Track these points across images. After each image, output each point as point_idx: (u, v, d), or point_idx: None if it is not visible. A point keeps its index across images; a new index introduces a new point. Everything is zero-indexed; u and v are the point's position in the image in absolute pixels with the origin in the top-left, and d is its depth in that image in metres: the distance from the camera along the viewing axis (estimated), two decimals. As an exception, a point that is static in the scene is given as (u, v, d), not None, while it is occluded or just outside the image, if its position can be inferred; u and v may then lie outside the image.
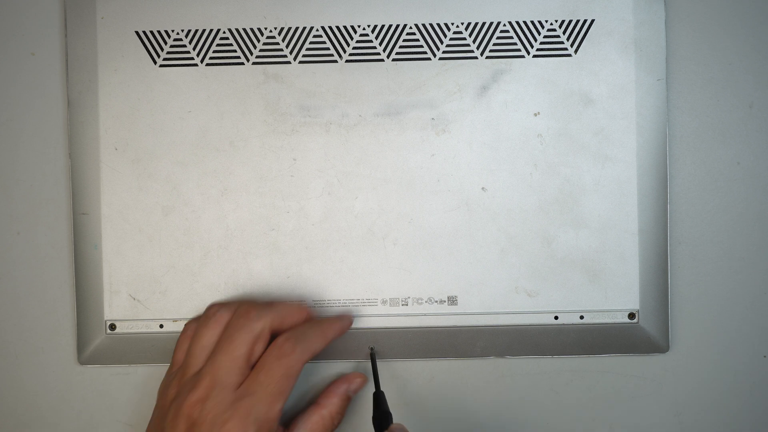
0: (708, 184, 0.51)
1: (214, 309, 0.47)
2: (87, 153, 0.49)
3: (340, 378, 0.49)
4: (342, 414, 0.48)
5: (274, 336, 0.46)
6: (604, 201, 0.49)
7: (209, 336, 0.46)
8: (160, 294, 0.50)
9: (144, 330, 0.50)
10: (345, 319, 0.49)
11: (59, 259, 0.51)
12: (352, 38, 0.49)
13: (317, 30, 0.49)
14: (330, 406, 0.48)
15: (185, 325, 0.48)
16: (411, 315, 0.50)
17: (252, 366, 0.45)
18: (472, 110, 0.49)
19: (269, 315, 0.45)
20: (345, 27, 0.49)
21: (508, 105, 0.49)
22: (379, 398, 0.47)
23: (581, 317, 0.50)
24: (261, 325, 0.45)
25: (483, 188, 0.50)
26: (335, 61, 0.49)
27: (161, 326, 0.50)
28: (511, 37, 0.49)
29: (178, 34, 0.49)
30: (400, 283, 0.50)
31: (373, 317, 0.50)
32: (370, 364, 0.50)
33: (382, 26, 0.49)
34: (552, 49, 0.49)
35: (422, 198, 0.50)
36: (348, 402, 0.49)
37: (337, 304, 0.50)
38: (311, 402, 0.49)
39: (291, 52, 0.49)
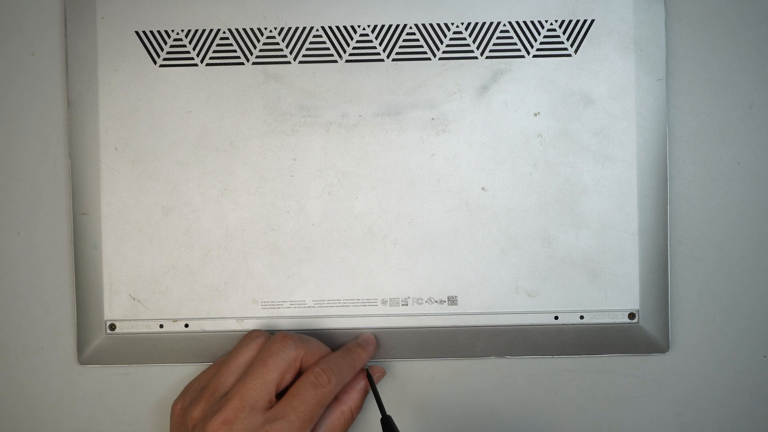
0: (708, 184, 0.51)
1: (256, 333, 0.47)
2: (87, 153, 0.49)
3: (358, 372, 0.49)
4: (360, 407, 0.48)
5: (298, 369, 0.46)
6: (604, 201, 0.49)
7: (245, 356, 0.46)
8: (160, 294, 0.50)
9: (144, 330, 0.50)
10: (369, 346, 0.49)
11: (59, 259, 0.51)
12: (352, 38, 0.49)
13: (317, 30, 0.49)
14: (350, 401, 0.48)
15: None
16: (411, 315, 0.50)
17: (278, 392, 0.45)
18: (472, 110, 0.49)
19: (304, 347, 0.46)
20: (345, 27, 0.49)
21: (508, 105, 0.49)
22: (388, 424, 0.46)
23: (581, 317, 0.50)
24: (295, 354, 0.46)
25: (483, 188, 0.50)
26: (335, 61, 0.49)
27: (161, 326, 0.50)
28: (511, 37, 0.49)
29: (178, 34, 0.49)
30: (400, 283, 0.50)
31: (373, 317, 0.50)
32: (374, 362, 0.50)
33: (382, 26, 0.49)
34: (552, 49, 0.49)
35: (422, 198, 0.50)
36: (366, 395, 0.49)
37: (337, 304, 0.50)
38: None
39: (291, 52, 0.49)
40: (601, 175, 0.49)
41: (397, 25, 0.49)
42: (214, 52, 0.49)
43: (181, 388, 0.51)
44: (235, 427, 0.43)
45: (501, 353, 0.50)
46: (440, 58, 0.49)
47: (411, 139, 0.49)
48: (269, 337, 0.47)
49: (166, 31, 0.49)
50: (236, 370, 0.46)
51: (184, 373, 0.51)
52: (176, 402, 0.47)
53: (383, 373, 0.50)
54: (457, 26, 0.49)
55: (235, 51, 0.49)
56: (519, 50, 0.49)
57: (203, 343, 0.50)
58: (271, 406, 0.44)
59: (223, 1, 0.49)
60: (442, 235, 0.50)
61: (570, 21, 0.49)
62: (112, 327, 0.50)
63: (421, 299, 0.50)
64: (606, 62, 0.49)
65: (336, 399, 0.48)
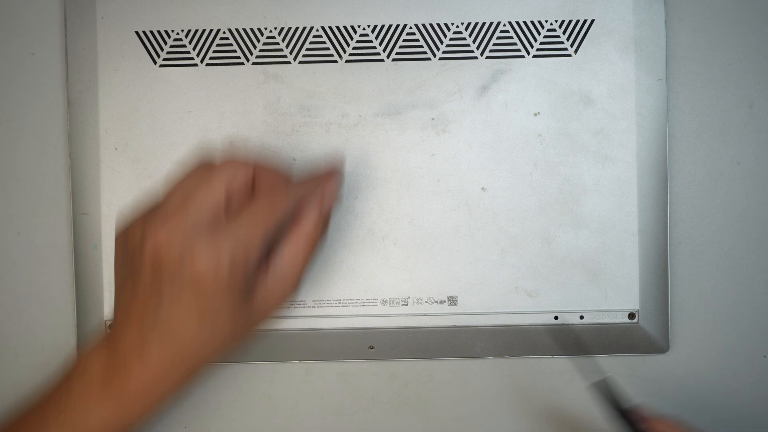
0: (708, 184, 0.51)
1: (203, 160, 0.42)
2: (87, 153, 0.49)
3: (312, 181, 0.44)
4: (324, 226, 0.44)
5: None
6: (604, 201, 0.49)
7: (192, 179, 0.41)
8: (160, 294, 0.50)
9: (144, 330, 0.50)
10: (335, 168, 0.45)
11: (59, 259, 0.51)
12: (352, 38, 0.49)
13: (317, 30, 0.49)
14: (308, 221, 0.43)
15: None
16: (411, 315, 0.50)
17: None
18: (472, 110, 0.49)
19: (253, 160, 0.42)
20: (345, 27, 0.49)
21: (508, 105, 0.49)
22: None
23: (581, 317, 0.50)
24: (244, 165, 0.41)
25: (483, 188, 0.50)
26: (335, 61, 0.49)
27: (161, 326, 0.50)
28: (511, 37, 0.49)
29: (178, 34, 0.49)
30: (400, 283, 0.50)
31: (373, 317, 0.50)
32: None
33: (382, 26, 0.49)
34: (552, 49, 0.49)
35: (422, 198, 0.50)
36: (329, 213, 0.44)
37: (337, 304, 0.50)
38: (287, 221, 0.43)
39: (291, 52, 0.49)
40: (601, 175, 0.49)
41: (397, 25, 0.49)
42: (214, 52, 0.49)
43: (181, 388, 0.51)
44: (175, 240, 0.39)
45: (501, 353, 0.50)
46: (440, 58, 0.49)
47: (411, 139, 0.49)
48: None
49: (166, 31, 0.49)
50: (181, 192, 0.41)
51: (184, 373, 0.51)
52: (118, 234, 0.42)
53: (339, 178, 0.44)
54: (457, 26, 0.49)
55: (235, 51, 0.49)
56: (519, 50, 0.49)
57: (203, 343, 0.50)
58: (218, 224, 0.40)
59: (223, 1, 0.49)
60: (442, 235, 0.50)
61: (570, 21, 0.49)
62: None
63: (421, 299, 0.50)
64: (606, 62, 0.49)
65: (293, 221, 0.42)
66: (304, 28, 0.49)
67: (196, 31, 0.49)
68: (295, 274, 0.43)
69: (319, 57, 0.49)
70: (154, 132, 0.49)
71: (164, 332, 0.40)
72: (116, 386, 0.40)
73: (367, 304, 0.50)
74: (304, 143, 0.49)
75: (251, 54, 0.49)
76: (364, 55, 0.49)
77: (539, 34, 0.49)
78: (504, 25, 0.49)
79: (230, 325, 0.41)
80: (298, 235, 0.42)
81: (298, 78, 0.49)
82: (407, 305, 0.50)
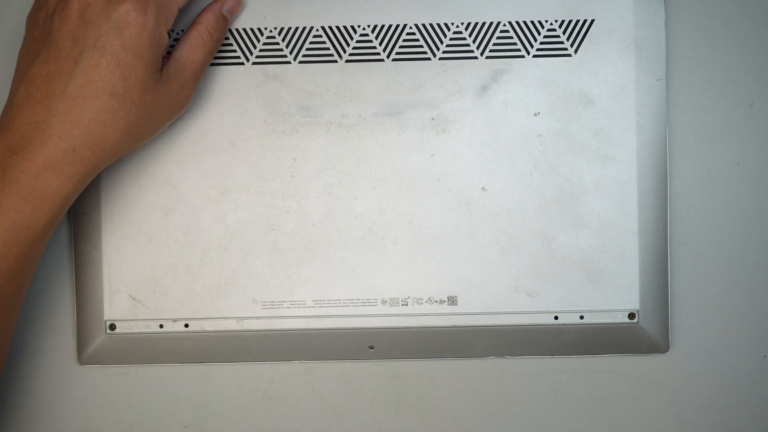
0: (708, 184, 0.51)
1: None
2: (87, 153, 0.49)
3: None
4: (220, 32, 0.47)
5: None
6: (604, 201, 0.49)
7: None
8: (160, 294, 0.50)
9: (144, 330, 0.50)
10: None
11: (59, 259, 0.51)
12: (352, 38, 0.49)
13: (317, 30, 0.49)
14: (205, 21, 0.46)
15: None
16: (411, 315, 0.50)
17: None
18: (472, 110, 0.49)
19: None
20: (345, 27, 0.49)
21: (508, 105, 0.49)
22: None
23: (581, 317, 0.50)
24: None
25: (483, 188, 0.50)
26: (335, 61, 0.49)
27: (161, 326, 0.50)
28: (511, 37, 0.49)
29: (178, 34, 0.49)
30: (400, 283, 0.50)
31: (373, 317, 0.50)
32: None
33: (382, 26, 0.49)
34: (552, 49, 0.49)
35: (422, 198, 0.50)
36: (225, 21, 0.47)
37: (337, 304, 0.50)
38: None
39: (291, 52, 0.49)
40: (601, 175, 0.49)
41: (397, 25, 0.49)
42: (214, 52, 0.49)
43: (181, 389, 0.51)
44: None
45: (501, 353, 0.50)
46: (440, 58, 0.49)
47: (411, 139, 0.49)
48: None
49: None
50: None
51: (184, 373, 0.51)
52: (31, 12, 0.44)
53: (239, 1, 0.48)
54: (457, 26, 0.49)
55: (235, 51, 0.49)
56: (519, 50, 0.49)
57: (203, 343, 0.50)
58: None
59: (223, 1, 0.49)
60: (442, 235, 0.50)
61: (570, 21, 0.49)
62: (112, 327, 0.50)
63: (421, 299, 0.50)
64: (606, 62, 0.49)
65: (193, 23, 0.46)
66: (304, 28, 0.49)
67: (196, 31, 0.49)
68: (194, 64, 0.45)
69: (319, 57, 0.49)
70: (154, 132, 0.49)
71: (70, 104, 0.41)
72: (18, 171, 0.40)
73: (367, 304, 0.50)
74: (304, 143, 0.49)
75: (251, 54, 0.49)
76: (364, 55, 0.49)
77: (539, 34, 0.49)
78: (504, 25, 0.49)
79: (137, 101, 0.42)
80: (197, 29, 0.45)
81: (298, 78, 0.49)
82: (407, 305, 0.50)
